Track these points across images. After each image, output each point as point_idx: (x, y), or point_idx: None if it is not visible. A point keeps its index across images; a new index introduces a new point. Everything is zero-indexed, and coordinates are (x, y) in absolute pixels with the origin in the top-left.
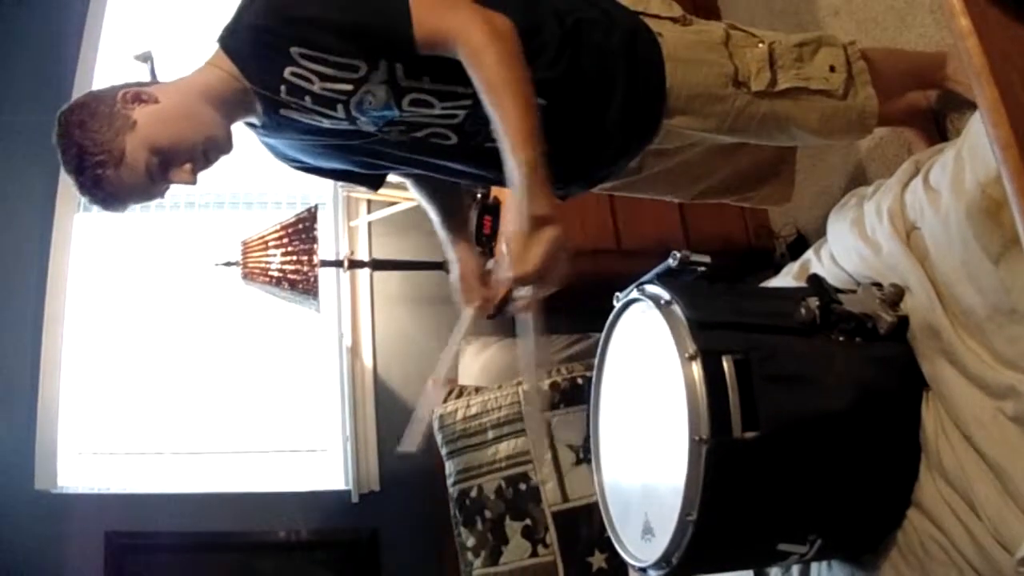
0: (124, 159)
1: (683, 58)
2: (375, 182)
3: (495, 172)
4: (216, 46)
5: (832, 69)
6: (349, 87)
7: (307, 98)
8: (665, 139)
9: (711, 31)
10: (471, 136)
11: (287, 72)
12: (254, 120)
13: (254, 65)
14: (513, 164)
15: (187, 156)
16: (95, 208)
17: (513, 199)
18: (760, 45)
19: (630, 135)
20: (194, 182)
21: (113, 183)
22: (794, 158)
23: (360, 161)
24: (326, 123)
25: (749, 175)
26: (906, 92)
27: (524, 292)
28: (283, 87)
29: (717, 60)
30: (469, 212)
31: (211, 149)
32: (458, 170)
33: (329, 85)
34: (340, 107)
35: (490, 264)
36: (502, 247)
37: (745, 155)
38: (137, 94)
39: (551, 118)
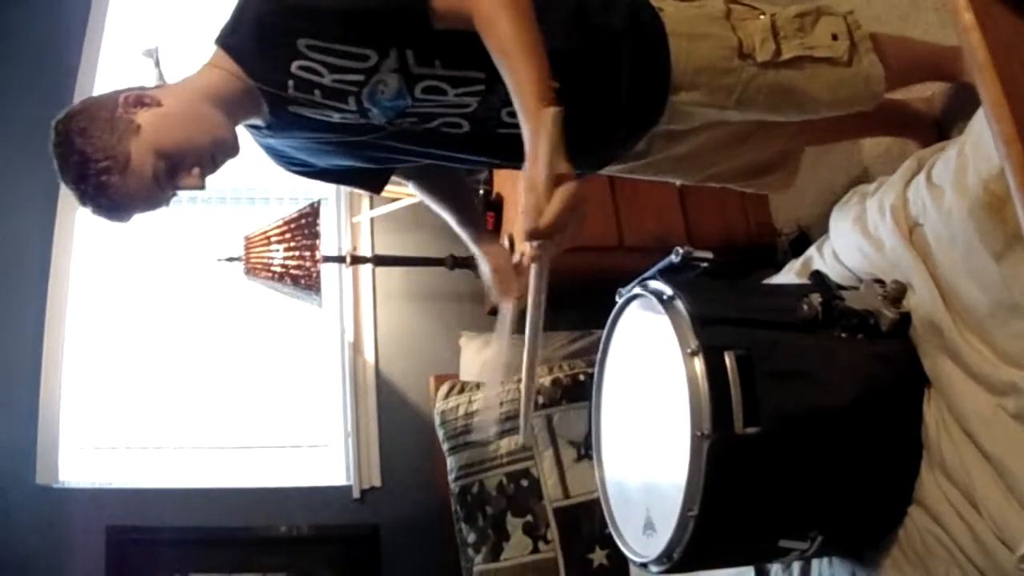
0: (130, 165)
1: (686, 32)
2: (378, 184)
3: (507, 159)
4: (215, 47)
5: (835, 37)
6: (360, 77)
7: (317, 92)
8: (674, 118)
9: (712, 4)
10: (483, 123)
11: (294, 67)
12: (258, 121)
13: (259, 62)
14: (530, 124)
15: (195, 160)
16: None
17: (530, 158)
18: (762, 17)
19: (638, 114)
20: (203, 187)
21: (119, 190)
22: (800, 151)
23: (366, 156)
24: (336, 117)
25: (754, 167)
26: (916, 81)
27: (536, 247)
28: (291, 82)
29: (721, 33)
30: (479, 205)
31: (218, 152)
32: (470, 159)
33: (339, 76)
34: (352, 99)
35: (515, 257)
36: (521, 202)
37: (752, 149)
38: (139, 97)
39: (560, 99)
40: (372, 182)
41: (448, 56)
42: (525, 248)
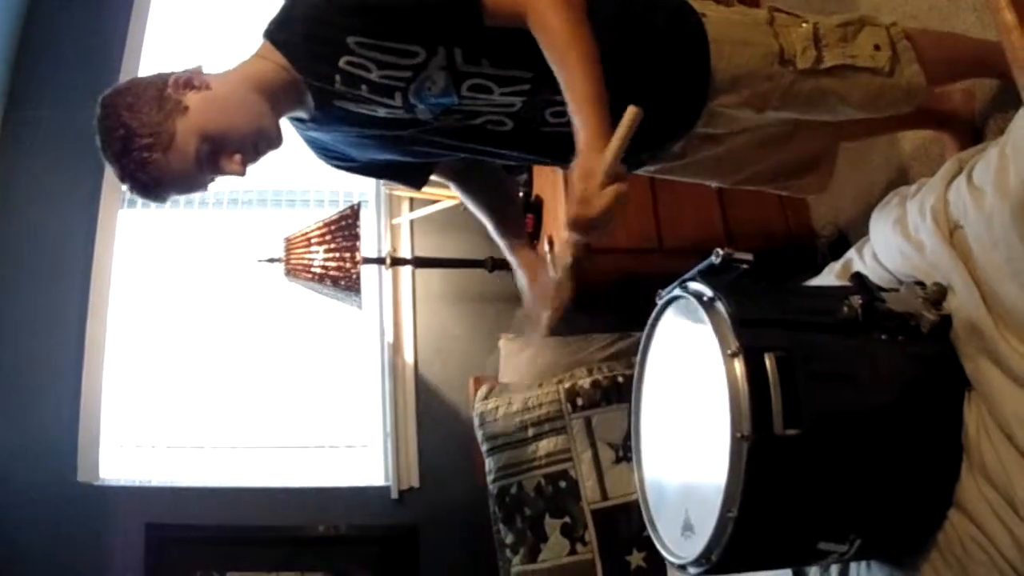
0: (173, 143)
1: (728, 39)
2: (418, 180)
3: (550, 156)
4: (263, 40)
5: (877, 48)
6: (408, 74)
7: (364, 87)
8: (711, 122)
9: (755, 12)
10: (527, 123)
11: (342, 62)
12: (302, 114)
13: (307, 57)
14: (582, 123)
15: (237, 146)
16: (138, 201)
17: (585, 148)
18: (804, 25)
19: (675, 118)
20: (243, 174)
21: (160, 168)
22: (836, 152)
23: (409, 151)
24: (381, 112)
25: (791, 166)
26: (960, 78)
27: (573, 236)
28: (338, 77)
29: (763, 40)
30: (520, 210)
31: (261, 140)
32: (512, 156)
33: (388, 72)
34: (398, 95)
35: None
36: (572, 187)
37: (789, 149)
38: (189, 79)
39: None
40: (413, 178)
41: (496, 55)
42: (564, 235)
